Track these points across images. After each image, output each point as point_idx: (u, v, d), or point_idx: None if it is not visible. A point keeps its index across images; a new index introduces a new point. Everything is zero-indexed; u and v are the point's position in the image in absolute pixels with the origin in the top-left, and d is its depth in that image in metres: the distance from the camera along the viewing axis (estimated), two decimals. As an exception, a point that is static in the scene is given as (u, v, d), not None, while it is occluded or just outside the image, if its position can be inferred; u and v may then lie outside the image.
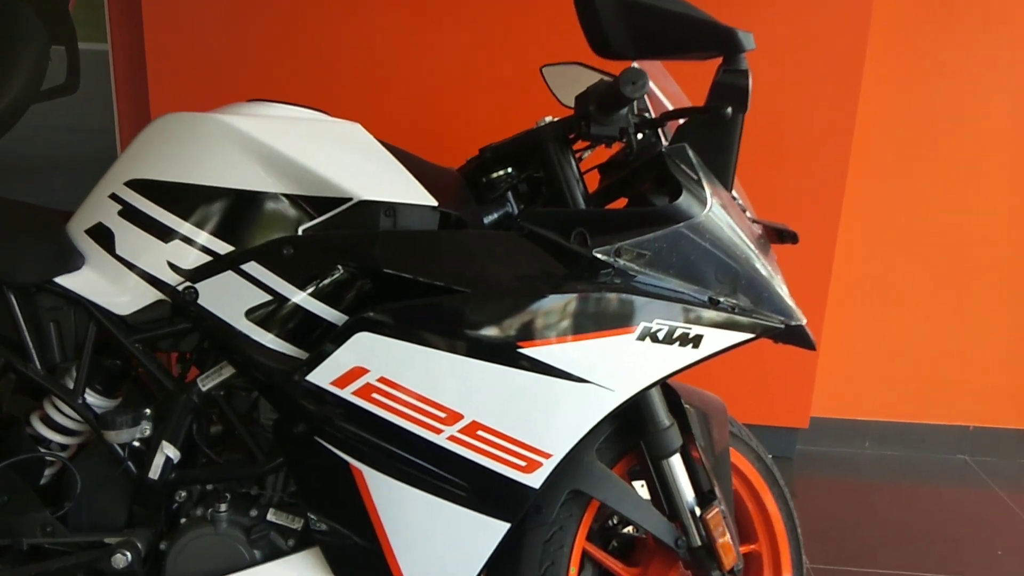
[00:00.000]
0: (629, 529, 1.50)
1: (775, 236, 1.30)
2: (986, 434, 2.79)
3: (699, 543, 1.30)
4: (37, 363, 1.23)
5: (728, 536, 1.30)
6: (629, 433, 1.32)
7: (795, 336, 1.26)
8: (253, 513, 1.26)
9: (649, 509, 1.28)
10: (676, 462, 1.30)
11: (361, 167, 1.17)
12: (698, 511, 1.30)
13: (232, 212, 1.17)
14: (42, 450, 1.28)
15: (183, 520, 1.27)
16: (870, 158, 2.61)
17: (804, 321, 1.25)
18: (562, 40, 2.27)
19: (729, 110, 1.13)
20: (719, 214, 1.15)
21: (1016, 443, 2.80)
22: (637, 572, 1.39)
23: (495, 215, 1.31)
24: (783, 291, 1.23)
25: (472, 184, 1.35)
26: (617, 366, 1.13)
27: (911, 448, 2.80)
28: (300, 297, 1.14)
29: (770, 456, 1.54)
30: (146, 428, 1.25)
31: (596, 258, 1.11)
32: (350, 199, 1.15)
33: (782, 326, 1.22)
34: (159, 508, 1.27)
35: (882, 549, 2.17)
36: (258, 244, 1.16)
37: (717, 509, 1.29)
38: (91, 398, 1.27)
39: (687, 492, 1.30)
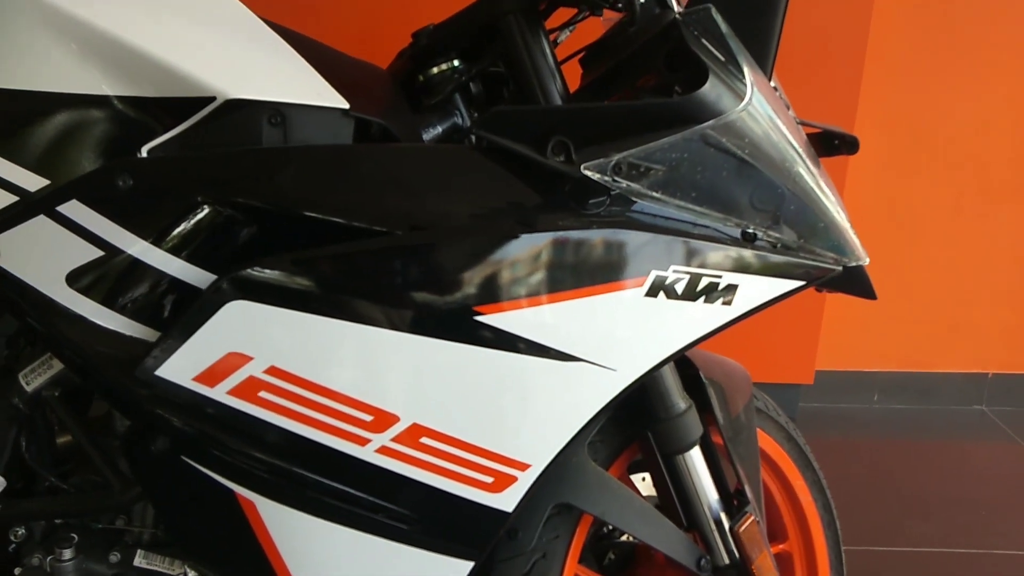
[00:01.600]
0: (627, 536, 1.17)
1: (826, 145, 0.95)
2: (1006, 381, 2.55)
3: (727, 562, 0.97)
4: None
5: (767, 553, 0.97)
6: (630, 420, 0.98)
7: (852, 282, 0.93)
8: (114, 557, 0.90)
9: (661, 522, 0.95)
10: (696, 457, 0.96)
11: (230, 51, 0.78)
12: (725, 520, 0.97)
13: (41, 128, 0.79)
14: None
15: (17, 571, 0.91)
16: (885, 68, 2.26)
17: (867, 261, 0.91)
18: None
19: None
20: (761, 109, 0.80)
21: (1037, 390, 2.55)
22: (644, 596, 1.07)
23: (437, 128, 0.94)
24: (843, 219, 0.89)
25: (405, 86, 0.97)
26: (619, 335, 0.78)
27: (924, 400, 2.53)
28: (147, 251, 0.76)
29: (800, 433, 1.23)
30: (-48, 447, 0.87)
31: (585, 178, 0.75)
32: (213, 98, 0.76)
33: (839, 268, 0.88)
34: (-18, 555, 0.90)
35: (907, 522, 1.90)
36: (82, 174, 0.78)
37: (752, 518, 0.96)
38: None
39: (710, 495, 0.98)
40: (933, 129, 2.35)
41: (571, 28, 0.98)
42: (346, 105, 0.80)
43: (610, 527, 1.15)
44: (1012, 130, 2.37)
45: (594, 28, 1.02)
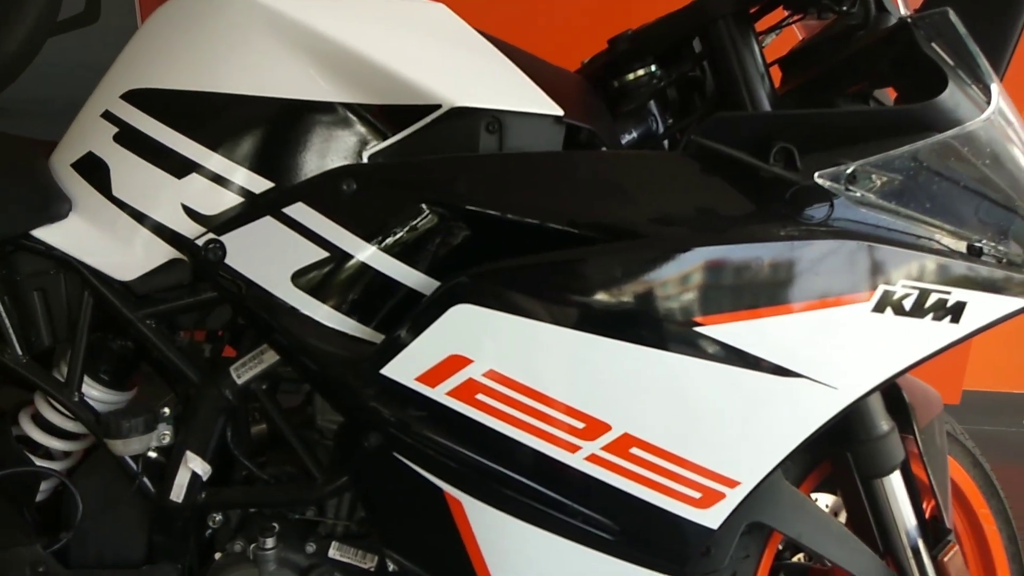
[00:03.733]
0: (799, 557, 1.13)
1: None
2: None
3: (924, 591, 0.92)
4: (17, 347, 0.91)
5: (972, 585, 0.92)
6: (822, 437, 0.94)
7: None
8: (310, 548, 0.93)
9: (858, 547, 0.91)
10: (896, 481, 0.92)
11: (451, 60, 0.80)
12: (923, 548, 0.92)
13: (267, 132, 0.82)
14: (35, 460, 0.97)
15: (218, 556, 0.95)
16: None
17: (1095, 280, 0.85)
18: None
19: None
20: (1004, 120, 0.75)
21: None
22: (822, 621, 1.02)
23: (633, 133, 0.93)
24: (1073, 234, 0.82)
25: (599, 91, 0.96)
26: (843, 352, 0.75)
27: (1078, 426, 2.36)
28: (368, 253, 0.78)
29: (985, 459, 1.15)
30: (165, 434, 0.92)
31: (808, 186, 0.72)
32: (438, 107, 0.77)
33: (1065, 287, 0.82)
34: (186, 538, 0.95)
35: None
36: (308, 178, 0.81)
37: (956, 547, 0.91)
38: (93, 392, 0.95)
39: (909, 521, 0.93)
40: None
41: (777, 32, 0.95)
42: (560, 112, 0.80)
43: (781, 546, 1.11)
44: None
45: (787, 35, 0.99)
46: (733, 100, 0.85)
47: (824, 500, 1.18)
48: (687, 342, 0.73)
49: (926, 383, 1.07)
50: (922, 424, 0.96)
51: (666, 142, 0.95)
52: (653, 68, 0.93)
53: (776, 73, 0.94)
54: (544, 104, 0.80)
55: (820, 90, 0.89)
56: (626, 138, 0.93)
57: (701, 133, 0.75)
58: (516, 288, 0.73)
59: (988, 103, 0.74)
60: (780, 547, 1.12)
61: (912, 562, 0.93)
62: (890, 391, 0.95)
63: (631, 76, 0.93)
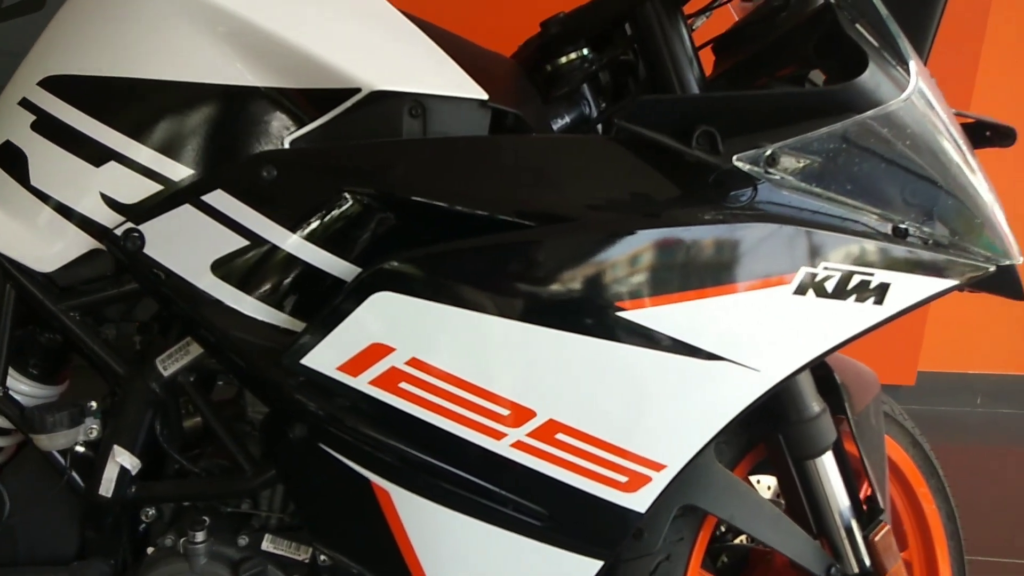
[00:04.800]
0: (741, 539, 1.14)
1: (977, 136, 0.89)
2: (1123, 387, 2.39)
3: (857, 570, 0.93)
4: (-64, 341, 0.88)
5: (901, 563, 0.93)
6: (756, 421, 0.95)
7: (1000, 281, 0.87)
8: (243, 541, 0.91)
9: (791, 528, 0.92)
10: (828, 462, 0.93)
11: (373, 43, 0.78)
12: (856, 528, 0.93)
13: (186, 119, 0.80)
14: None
15: (150, 550, 0.93)
16: (1003, 54, 2.14)
17: (1020, 260, 0.86)
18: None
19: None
20: (923, 99, 0.75)
21: None
22: (762, 602, 1.03)
23: (566, 118, 0.92)
24: (999, 216, 0.83)
25: (530, 76, 0.95)
26: (766, 334, 0.75)
27: (1030, 405, 2.41)
28: (290, 241, 0.77)
29: (925, 439, 1.17)
30: (92, 428, 0.90)
31: (731, 170, 0.72)
32: (358, 90, 0.76)
33: (992, 268, 0.83)
34: (118, 533, 0.93)
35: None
36: (227, 164, 0.79)
37: (887, 527, 0.92)
38: (22, 386, 0.92)
39: (842, 501, 0.94)
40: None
41: (708, 14, 0.94)
42: (485, 96, 0.79)
43: (723, 529, 1.12)
44: None
45: (724, 16, 0.99)
46: (663, 84, 0.85)
47: (769, 482, 1.19)
48: (610, 327, 0.73)
49: (864, 364, 1.08)
50: (857, 405, 0.97)
51: (600, 127, 0.94)
52: (585, 52, 0.92)
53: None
54: (469, 88, 0.79)
55: (751, 73, 0.89)
56: (559, 123, 0.92)
57: (624, 116, 0.75)
58: (436, 275, 0.72)
59: (907, 84, 0.74)
60: (723, 529, 1.13)
61: (845, 542, 0.94)
62: (822, 373, 0.95)
63: (563, 60, 0.92)
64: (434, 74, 0.78)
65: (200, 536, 0.89)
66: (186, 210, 0.78)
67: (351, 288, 0.72)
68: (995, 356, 2.40)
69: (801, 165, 0.73)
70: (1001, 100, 2.20)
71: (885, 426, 1.07)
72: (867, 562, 0.93)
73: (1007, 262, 0.85)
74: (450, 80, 0.79)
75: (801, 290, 0.74)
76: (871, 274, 0.76)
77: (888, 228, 0.78)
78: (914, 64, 0.75)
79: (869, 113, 0.73)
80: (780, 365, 0.76)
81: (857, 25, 0.76)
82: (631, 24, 0.88)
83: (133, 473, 0.89)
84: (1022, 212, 2.16)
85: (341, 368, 0.74)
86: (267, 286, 0.78)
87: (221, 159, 0.80)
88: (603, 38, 0.94)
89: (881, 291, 0.77)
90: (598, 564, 0.81)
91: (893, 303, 0.78)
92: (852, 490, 0.95)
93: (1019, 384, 2.40)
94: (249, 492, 0.91)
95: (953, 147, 0.79)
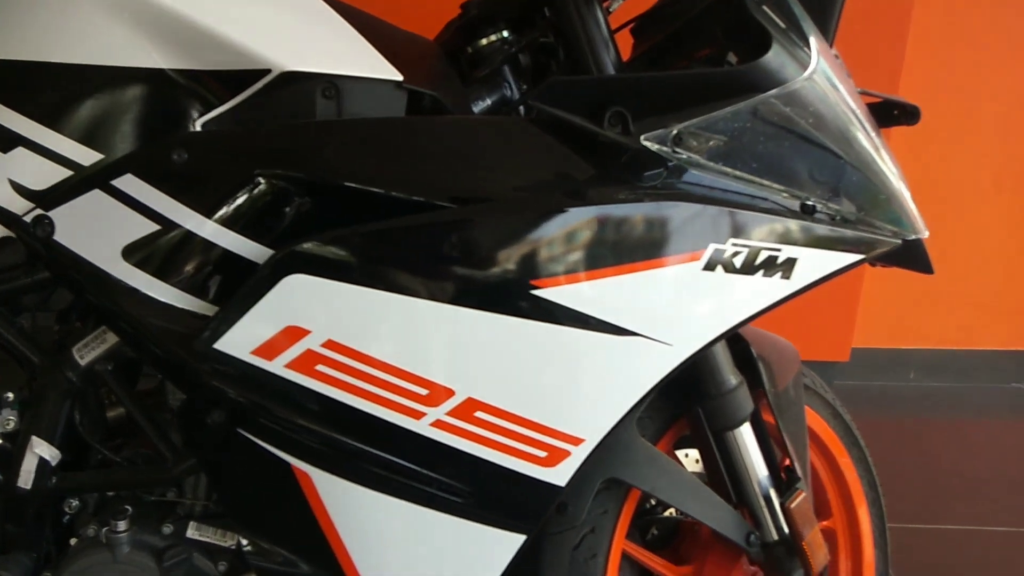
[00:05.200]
0: (671, 511, 1.17)
1: (885, 115, 0.92)
2: (1043, 359, 2.50)
3: (776, 538, 0.97)
4: None
5: (818, 529, 0.97)
6: (678, 395, 0.97)
7: (909, 256, 0.91)
8: (167, 529, 0.91)
9: (711, 498, 0.95)
10: (746, 433, 0.96)
11: (284, 23, 0.78)
12: (775, 496, 0.97)
13: (95, 102, 0.79)
14: None
15: (73, 541, 0.92)
16: (930, 35, 2.20)
17: (926, 234, 0.89)
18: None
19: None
20: (825, 78, 0.78)
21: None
22: (688, 572, 1.06)
23: (487, 100, 0.93)
24: (903, 191, 0.86)
25: (453, 58, 0.95)
26: (676, 309, 0.77)
27: (961, 378, 2.50)
28: (203, 225, 0.76)
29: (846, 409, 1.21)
30: (9, 419, 0.88)
31: (642, 150, 0.74)
32: (268, 71, 0.75)
33: (898, 241, 0.86)
34: (40, 525, 0.92)
35: (947, 500, 1.88)
36: (137, 148, 0.78)
37: (803, 494, 0.96)
38: (-66, 378, 0.90)
39: (760, 471, 0.97)
40: (977, 100, 2.29)
41: (623, -4, 0.95)
42: (399, 77, 0.79)
43: (653, 502, 1.15)
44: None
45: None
46: (579, 66, 0.85)
47: (696, 455, 1.22)
48: (523, 306, 0.74)
49: (785, 338, 1.11)
50: (775, 378, 1.00)
51: (522, 108, 0.95)
52: (505, 34, 0.92)
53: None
54: (383, 69, 0.79)
55: (671, 55, 0.91)
56: (480, 105, 0.92)
57: (538, 97, 0.75)
58: (350, 256, 0.72)
59: (809, 63, 0.76)
60: (653, 502, 1.15)
61: (765, 511, 0.97)
62: (740, 347, 0.98)
63: (484, 42, 0.92)
64: (347, 55, 0.78)
65: (122, 525, 0.88)
66: (96, 195, 0.77)
67: (263, 271, 0.72)
68: (928, 332, 2.49)
69: (708, 144, 0.74)
70: (929, 81, 2.26)
71: (807, 398, 1.10)
72: (785, 530, 0.96)
73: (913, 236, 0.88)
74: (364, 61, 0.78)
75: (710, 266, 0.76)
76: (778, 250, 0.79)
77: (796, 205, 0.81)
78: (815, 43, 0.77)
79: (772, 92, 0.75)
80: (691, 339, 0.78)
81: (764, 7, 0.78)
82: (548, 6, 0.89)
83: (53, 464, 0.88)
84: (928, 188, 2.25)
85: (256, 352, 0.73)
86: (181, 272, 0.77)
87: (132, 143, 0.78)
88: (525, 20, 0.94)
89: (788, 266, 0.80)
90: (521, 538, 0.82)
91: (800, 277, 0.81)
92: (771, 460, 0.98)
93: (952, 358, 2.50)
94: (172, 480, 0.90)
95: (857, 125, 0.81)
